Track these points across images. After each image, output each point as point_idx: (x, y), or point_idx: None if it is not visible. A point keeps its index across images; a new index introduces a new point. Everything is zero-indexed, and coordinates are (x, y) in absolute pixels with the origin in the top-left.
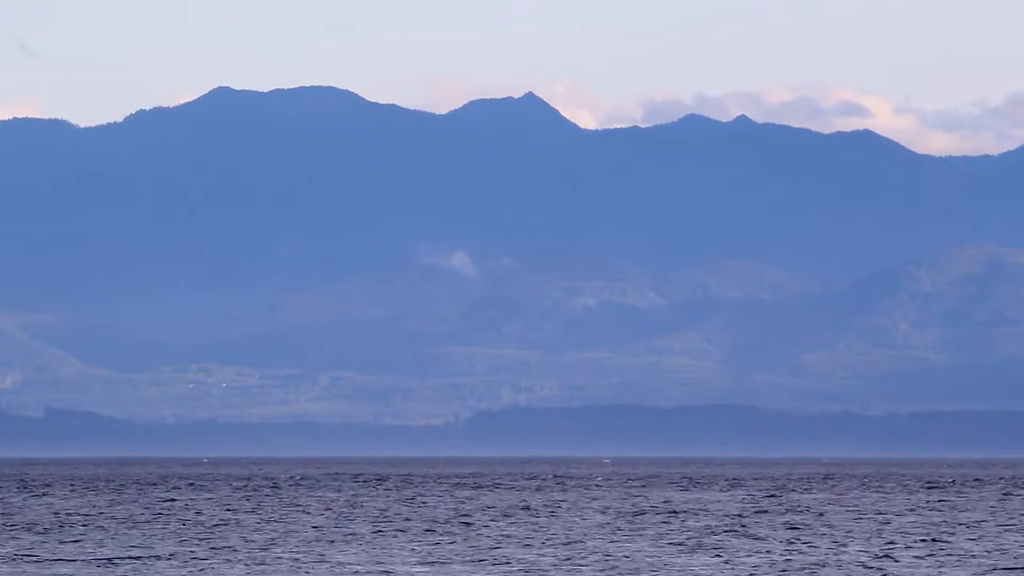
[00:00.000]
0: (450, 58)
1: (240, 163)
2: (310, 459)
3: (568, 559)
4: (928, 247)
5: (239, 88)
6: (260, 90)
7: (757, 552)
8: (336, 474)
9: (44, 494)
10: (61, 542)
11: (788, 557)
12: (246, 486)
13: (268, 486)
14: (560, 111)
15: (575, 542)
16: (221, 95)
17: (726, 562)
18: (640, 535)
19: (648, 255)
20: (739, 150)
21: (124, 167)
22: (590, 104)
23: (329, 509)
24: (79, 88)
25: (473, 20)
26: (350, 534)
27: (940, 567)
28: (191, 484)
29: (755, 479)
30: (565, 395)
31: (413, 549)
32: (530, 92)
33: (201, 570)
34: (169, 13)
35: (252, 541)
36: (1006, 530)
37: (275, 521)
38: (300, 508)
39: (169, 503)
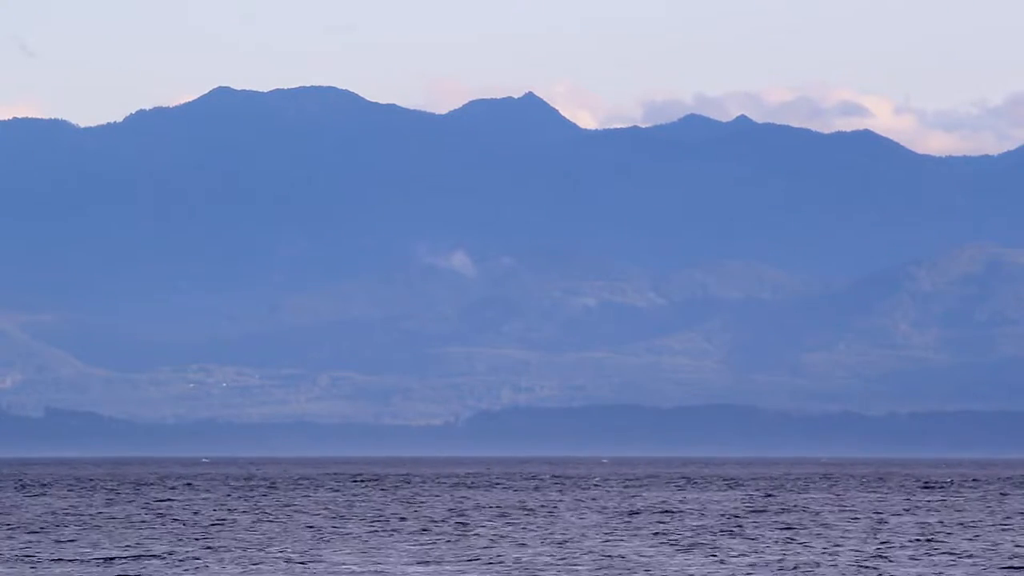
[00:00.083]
0: (450, 58)
1: (240, 163)
2: (310, 459)
3: (563, 559)
4: (928, 247)
5: (239, 88)
6: (260, 90)
7: (752, 552)
8: (334, 474)
9: (42, 494)
10: (58, 542)
11: (783, 557)
12: (244, 486)
13: (266, 486)
14: (560, 111)
15: (570, 542)
16: (221, 95)
17: (721, 562)
18: (635, 535)
19: (648, 255)
20: (739, 150)
21: (124, 167)
22: (590, 104)
23: (326, 509)
24: (79, 88)
25: (473, 20)
26: (346, 534)
27: (935, 567)
28: (189, 484)
29: (753, 479)
30: (565, 395)
31: (408, 549)
32: (530, 92)
33: (196, 570)
34: (169, 13)
35: (248, 541)
36: (1002, 530)
37: (271, 521)
38: (297, 508)
39: (166, 503)
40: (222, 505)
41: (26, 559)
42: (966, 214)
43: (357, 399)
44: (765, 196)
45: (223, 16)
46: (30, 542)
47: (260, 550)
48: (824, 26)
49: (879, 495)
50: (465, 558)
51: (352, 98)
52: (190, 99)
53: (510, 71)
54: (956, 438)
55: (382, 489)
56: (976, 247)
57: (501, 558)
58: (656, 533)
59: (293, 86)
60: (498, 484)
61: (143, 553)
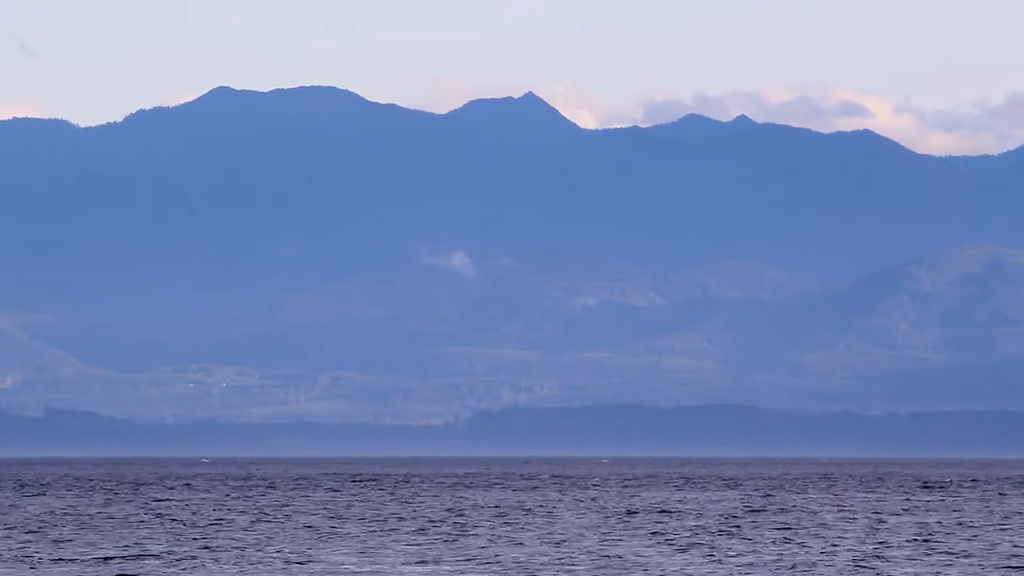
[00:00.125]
0: (450, 58)
1: (240, 163)
2: (310, 459)
3: (559, 558)
4: (928, 247)
5: (239, 88)
6: (260, 90)
7: (749, 552)
8: (333, 474)
9: (40, 494)
10: (55, 542)
11: (779, 557)
12: (243, 486)
13: (264, 486)
14: (560, 111)
15: (568, 542)
16: (221, 95)
17: (718, 562)
18: (632, 535)
19: (648, 255)
20: (739, 150)
21: (124, 167)
22: (590, 104)
23: (324, 509)
24: (79, 88)
25: (473, 20)
26: (343, 534)
27: (933, 567)
28: (187, 484)
29: (751, 479)
30: (565, 395)
31: (405, 549)
32: (530, 92)
33: (194, 569)
34: (169, 13)
35: (245, 541)
36: (1000, 530)
37: (269, 521)
38: (295, 508)
39: (164, 503)
40: (220, 505)
41: (23, 559)
42: (966, 214)
43: (357, 399)
44: (765, 196)
45: (223, 16)
46: (27, 542)
47: (258, 550)
48: (824, 26)
49: (878, 495)
50: (463, 558)
51: (352, 98)
52: (190, 99)
53: (510, 71)
54: (956, 438)
55: (381, 489)
56: (976, 247)
57: (498, 558)
58: (654, 533)
59: (293, 86)
60: (497, 484)
61: (140, 553)
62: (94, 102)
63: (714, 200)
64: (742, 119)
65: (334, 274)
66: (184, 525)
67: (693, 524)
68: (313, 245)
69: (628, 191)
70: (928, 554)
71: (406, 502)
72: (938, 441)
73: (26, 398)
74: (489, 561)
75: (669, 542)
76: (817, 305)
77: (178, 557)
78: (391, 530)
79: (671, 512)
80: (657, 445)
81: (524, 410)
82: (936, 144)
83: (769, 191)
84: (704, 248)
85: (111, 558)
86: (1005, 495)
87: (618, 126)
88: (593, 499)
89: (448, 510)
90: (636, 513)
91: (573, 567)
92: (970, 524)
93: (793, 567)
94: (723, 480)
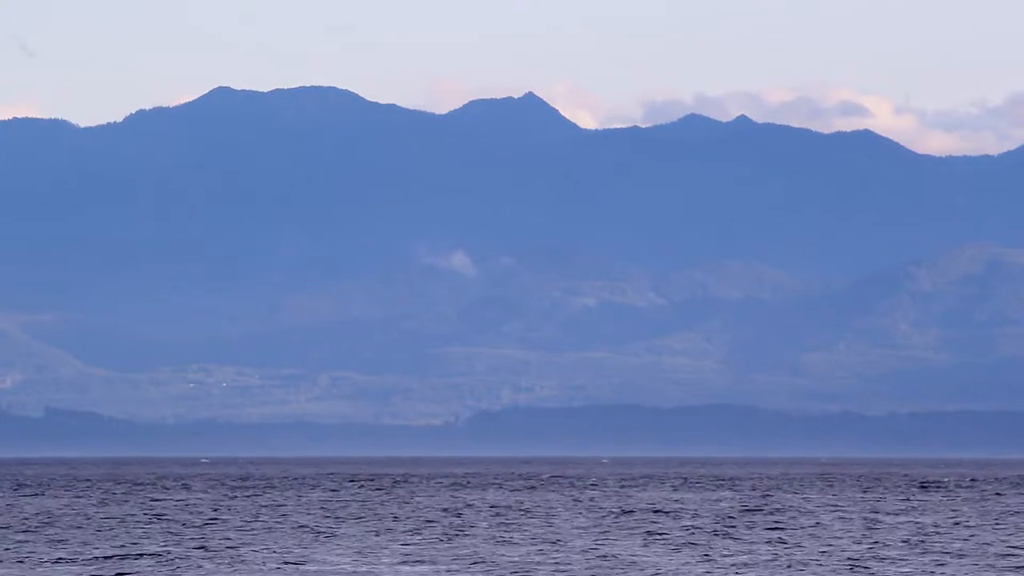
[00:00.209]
0: (450, 58)
1: (240, 163)
2: (310, 459)
3: (555, 559)
4: (928, 247)
5: (239, 88)
6: (260, 90)
7: (744, 552)
8: (331, 474)
9: (38, 494)
10: (50, 541)
11: (775, 557)
12: (241, 486)
13: (262, 486)
14: (560, 111)
15: (563, 542)
16: (221, 95)
17: (713, 562)
18: (628, 535)
19: (648, 255)
20: (739, 150)
21: (124, 167)
22: (590, 104)
23: (320, 509)
24: (79, 88)
25: (473, 20)
26: (339, 534)
27: (928, 567)
28: (185, 485)
29: (749, 479)
30: (565, 395)
31: (400, 549)
32: (530, 92)
33: (188, 569)
34: (169, 13)
35: (240, 540)
36: (994, 530)
37: (265, 521)
38: (292, 508)
39: (161, 503)
40: (217, 505)
41: (19, 559)
42: (966, 214)
43: (357, 399)
44: (765, 196)
45: (223, 16)
46: (23, 542)
47: (253, 550)
48: (824, 26)
49: (875, 495)
50: (458, 558)
51: (352, 98)
52: (190, 99)
53: (510, 71)
54: (956, 438)
55: (378, 489)
56: (976, 247)
57: (494, 558)
58: (649, 533)
59: (293, 86)
60: (494, 484)
61: (135, 553)
62: (94, 102)
63: (714, 200)
64: (742, 119)
65: (334, 274)
66: (180, 525)
67: (688, 524)
68: (313, 245)
69: (628, 191)
70: (922, 554)
71: (403, 502)
72: (938, 441)
73: (26, 398)
74: (484, 561)
75: (664, 542)
76: (817, 305)
77: (172, 557)
78: (387, 530)
79: (667, 512)
80: (657, 445)
81: (524, 410)
82: (936, 144)
83: (769, 191)
84: (704, 248)
85: (106, 558)
86: (1002, 495)
87: (618, 126)
88: (590, 499)
89: (444, 510)
90: (632, 513)
91: (568, 567)
92: (966, 524)
93: (788, 567)
94: (721, 480)
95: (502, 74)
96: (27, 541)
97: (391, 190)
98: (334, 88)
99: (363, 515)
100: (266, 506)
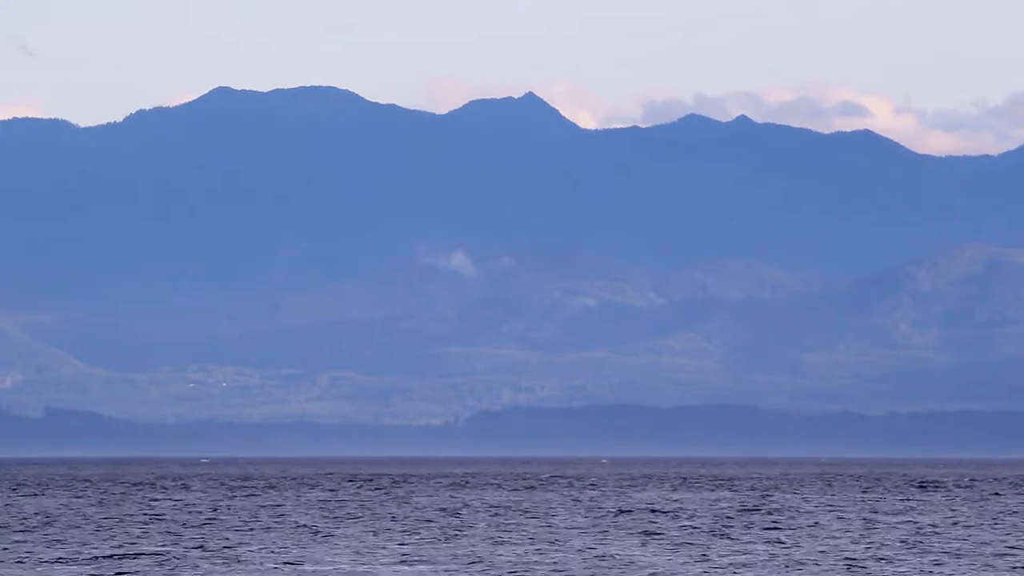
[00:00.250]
0: (450, 58)
1: (240, 163)
2: (310, 459)
3: (552, 558)
4: (928, 247)
5: (239, 88)
6: (260, 90)
7: (741, 552)
8: (330, 474)
9: (36, 494)
10: (46, 541)
11: (772, 557)
12: (240, 486)
13: (261, 486)
14: (560, 111)
15: (560, 541)
16: (221, 95)
17: (709, 561)
18: (625, 535)
19: (648, 255)
20: (739, 150)
21: (124, 167)
22: (590, 104)
23: (318, 509)
24: (79, 88)
25: (473, 20)
26: (336, 534)
27: (923, 567)
28: (184, 485)
29: (748, 479)
30: (565, 395)
31: (396, 549)
32: (530, 92)
33: (184, 569)
34: (169, 13)
35: (238, 540)
36: (991, 530)
37: (262, 521)
38: (290, 508)
39: (159, 503)
40: (215, 505)
41: (17, 559)
42: (966, 214)
43: (357, 399)
44: (765, 196)
45: (223, 16)
46: (18, 541)
47: (251, 550)
48: (824, 26)
49: (872, 495)
50: (455, 558)
51: (352, 98)
52: (190, 99)
53: (510, 71)
54: (956, 438)
55: (376, 489)
56: (976, 247)
57: (492, 558)
58: (647, 533)
59: (293, 86)
60: (492, 484)
61: (133, 553)
62: (94, 102)
63: (714, 200)
64: (742, 119)
65: (334, 274)
66: (178, 525)
67: (686, 524)
68: (313, 245)
69: (628, 191)
70: (920, 554)
71: (402, 502)
72: (938, 441)
73: (26, 398)
74: (480, 561)
75: (661, 542)
76: (817, 305)
77: (168, 557)
78: (384, 530)
79: (665, 512)
80: (657, 445)
81: (524, 410)
82: (936, 144)
83: (769, 191)
84: (704, 248)
85: (104, 558)
86: (1000, 495)
87: (618, 126)
88: (589, 499)
89: (442, 510)
90: (630, 513)
91: (565, 567)
92: (964, 524)
93: (786, 567)
94: (720, 480)
95: (502, 74)
96: (25, 541)
97: (391, 190)
98: (334, 88)
99: (361, 515)
100: (264, 506)
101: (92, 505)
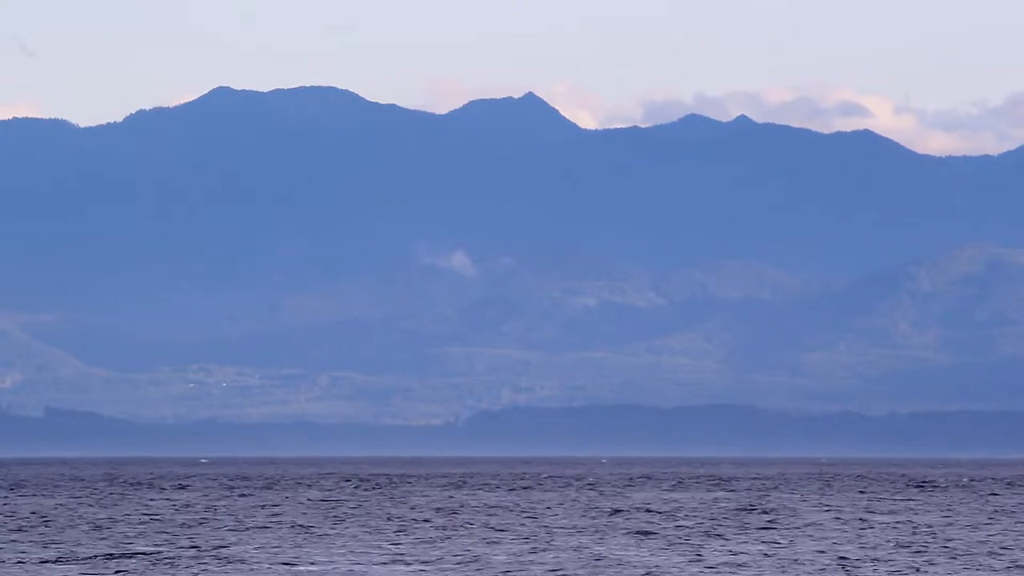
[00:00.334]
0: (450, 58)
1: (240, 163)
2: (310, 459)
3: (545, 558)
4: (928, 247)
5: (239, 88)
6: (260, 90)
7: (734, 552)
8: (327, 474)
9: (33, 494)
10: (41, 541)
11: (766, 556)
12: (237, 486)
13: (257, 486)
14: (560, 111)
15: (553, 541)
16: (221, 95)
17: (704, 561)
18: (620, 534)
19: (648, 255)
20: (739, 150)
21: (124, 167)
22: (590, 104)
23: (314, 509)
24: (79, 88)
25: (473, 20)
26: (329, 534)
27: (918, 566)
28: (181, 485)
29: (745, 479)
30: (565, 395)
31: (391, 548)
32: (530, 92)
33: (176, 569)
34: (169, 13)
35: (231, 540)
36: (987, 529)
37: (259, 520)
38: (285, 508)
39: (156, 503)
40: (213, 505)
41: (14, 559)
42: (966, 214)
43: (357, 399)
44: (765, 196)
45: (223, 16)
46: (13, 541)
47: (246, 550)
48: (824, 26)
49: (869, 495)
50: (450, 558)
51: (352, 98)
52: (190, 99)
53: (510, 71)
54: (956, 438)
55: (373, 489)
56: (976, 247)
57: (486, 558)
58: (642, 533)
59: (293, 86)
60: (490, 484)
61: (127, 553)
62: (94, 102)
63: (714, 200)
64: (742, 119)
65: (334, 274)
66: (174, 525)
67: (682, 524)
68: (313, 245)
69: (628, 191)
70: (915, 554)
71: (398, 502)
72: (938, 441)
73: (26, 398)
74: (476, 561)
75: (657, 542)
76: (817, 305)
77: (164, 557)
78: (380, 530)
79: (660, 512)
80: (657, 445)
81: (524, 410)
82: (936, 144)
83: (769, 191)
84: (704, 248)
85: (98, 558)
86: (997, 495)
87: (618, 126)
88: (586, 499)
89: (439, 510)
90: (625, 513)
91: (560, 567)
92: (959, 524)
93: (780, 567)
94: (717, 480)
95: (502, 74)
96: (20, 540)
97: (391, 190)
98: (334, 88)
99: (357, 515)
100: (261, 506)
101: (89, 505)
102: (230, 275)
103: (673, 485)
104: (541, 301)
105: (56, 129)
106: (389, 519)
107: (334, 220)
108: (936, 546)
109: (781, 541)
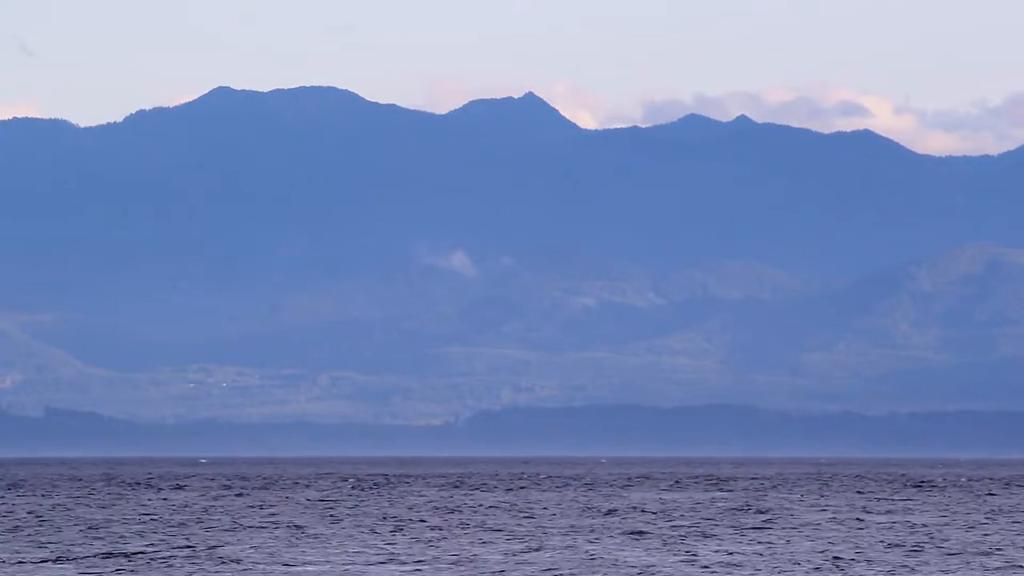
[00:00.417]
0: (450, 58)
1: (240, 163)
2: (309, 459)
3: (539, 557)
4: (928, 247)
5: (239, 88)
6: (260, 90)
7: (728, 552)
8: (326, 474)
9: (31, 493)
10: (37, 541)
11: (761, 556)
12: (235, 486)
13: (255, 487)
14: (560, 111)
15: (548, 541)
16: (221, 95)
17: (698, 561)
18: (615, 534)
19: (648, 255)
20: (739, 150)
21: (124, 167)
22: (590, 104)
23: (310, 509)
24: (79, 88)
25: (473, 20)
26: (324, 534)
27: (914, 566)
28: (179, 485)
29: (744, 479)
30: (565, 395)
31: (386, 548)
32: (530, 92)
33: (170, 568)
34: (169, 13)
35: (226, 540)
36: (983, 529)
37: (255, 520)
38: (282, 508)
39: (152, 503)
40: (210, 505)
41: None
42: (966, 214)
43: (357, 399)
44: (765, 196)
45: (223, 16)
46: (10, 541)
47: (241, 550)
48: (824, 26)
49: (867, 495)
50: (445, 557)
51: (352, 98)
52: (190, 99)
53: (510, 71)
54: (956, 438)
55: (371, 488)
56: (976, 247)
57: (481, 557)
58: (637, 532)
59: (293, 86)
60: (487, 484)
61: (122, 552)
62: (94, 102)
63: (714, 200)
64: (742, 119)
65: (334, 274)
66: (169, 525)
67: (677, 524)
68: (313, 245)
69: (628, 191)
70: (910, 553)
71: (395, 502)
72: (938, 441)
73: (26, 398)
74: (471, 561)
75: (651, 542)
76: (817, 305)
77: (159, 557)
78: (375, 530)
79: (655, 512)
80: (657, 445)
81: (524, 410)
82: (936, 144)
83: (769, 191)
84: (704, 248)
85: (93, 557)
86: (994, 495)
87: (618, 126)
88: (584, 499)
89: (435, 509)
90: (621, 512)
91: (554, 567)
92: (955, 523)
93: (775, 567)
94: (715, 480)
95: (502, 74)
96: (16, 540)
97: (391, 190)
98: (334, 88)
99: (353, 514)
100: (258, 506)
101: (86, 505)
102: (230, 275)
103: (671, 485)
104: (541, 301)
105: (56, 129)
106: (385, 519)
107: (334, 220)
108: (931, 546)
109: (777, 541)
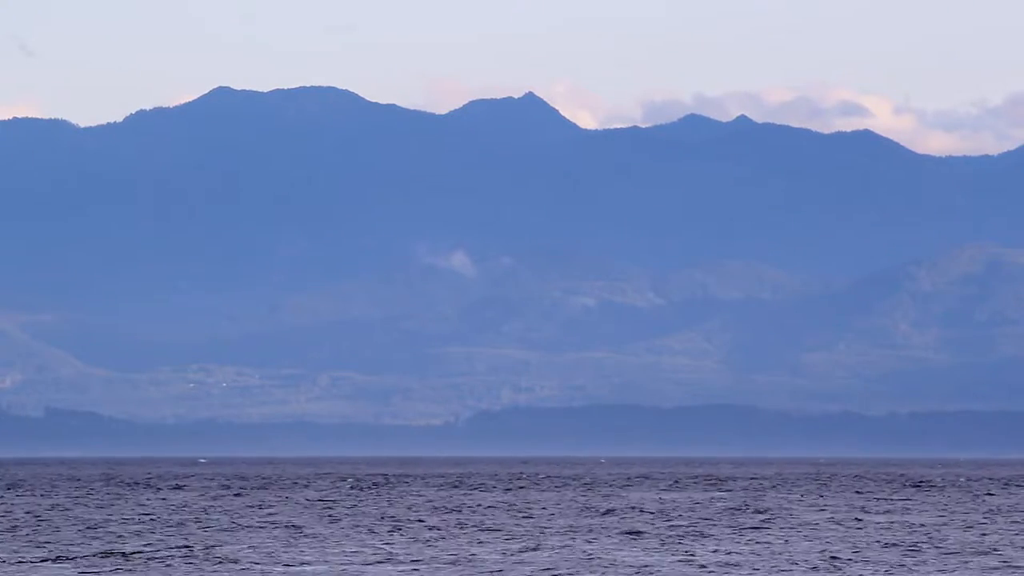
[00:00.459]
0: (450, 58)
1: (240, 163)
2: (309, 459)
3: (536, 557)
4: (928, 247)
5: (239, 88)
6: (260, 90)
7: (725, 552)
8: (325, 474)
9: (29, 493)
10: (35, 540)
11: (758, 556)
12: (233, 486)
13: (253, 487)
14: (560, 111)
15: (545, 541)
16: (221, 95)
17: (695, 561)
18: (612, 534)
19: (648, 255)
20: (739, 150)
21: (124, 167)
22: (590, 104)
23: (309, 509)
24: (79, 88)
25: (473, 20)
26: (321, 534)
27: (911, 566)
28: (177, 485)
29: (743, 479)
30: (565, 395)
31: (384, 548)
32: (530, 92)
33: (167, 567)
34: (169, 13)
35: (223, 540)
36: (980, 528)
37: (253, 520)
38: (280, 508)
39: (150, 503)
40: (208, 505)
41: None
42: (966, 214)
43: (357, 399)
44: (765, 196)
45: (223, 16)
46: (5, 540)
47: (238, 549)
48: (824, 26)
49: (866, 495)
50: (442, 557)
51: (352, 98)
52: (190, 99)
53: (510, 71)
54: (956, 438)
55: (369, 488)
56: (976, 247)
57: (478, 557)
58: (635, 532)
59: (293, 86)
60: (485, 484)
61: (119, 552)
62: (94, 102)
63: (714, 200)
64: (742, 119)
65: (334, 274)
66: (167, 525)
67: (675, 524)
68: (313, 245)
69: (628, 191)
70: (908, 553)
71: (393, 502)
72: (938, 441)
73: (26, 398)
74: (468, 561)
75: (649, 541)
76: (817, 305)
77: (156, 557)
78: (372, 530)
79: (653, 512)
80: (657, 445)
81: (524, 410)
82: (936, 144)
83: (769, 191)
84: (704, 248)
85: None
86: (993, 495)
87: (618, 126)
88: (582, 499)
89: (434, 509)
90: (619, 512)
91: (551, 567)
92: (952, 523)
93: (772, 566)
94: (714, 480)
95: (502, 74)
96: (15, 540)
97: (391, 190)
98: (334, 88)
99: (351, 514)
100: (256, 506)
101: (85, 505)
102: (230, 275)
103: (670, 485)
104: (541, 301)
105: (56, 129)
106: (383, 519)
107: (334, 220)
108: (929, 546)
109: (774, 541)
